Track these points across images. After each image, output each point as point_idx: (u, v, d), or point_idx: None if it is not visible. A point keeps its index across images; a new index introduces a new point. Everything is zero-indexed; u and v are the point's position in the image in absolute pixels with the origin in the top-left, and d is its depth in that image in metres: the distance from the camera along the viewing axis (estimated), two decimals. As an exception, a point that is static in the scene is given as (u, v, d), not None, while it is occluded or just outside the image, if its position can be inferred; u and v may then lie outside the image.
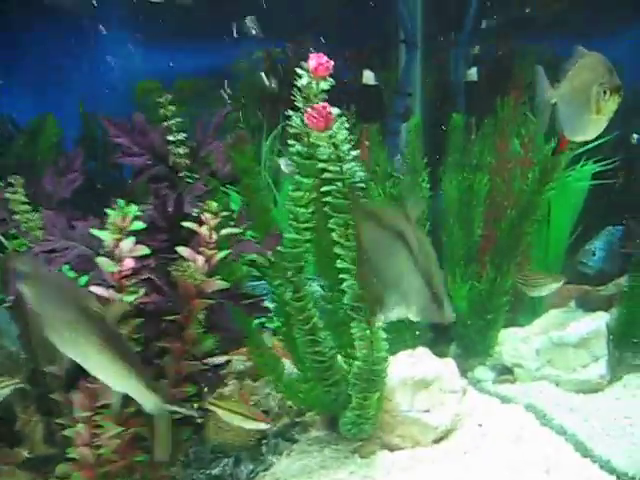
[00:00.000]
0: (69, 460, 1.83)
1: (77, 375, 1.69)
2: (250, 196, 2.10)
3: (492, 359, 2.97)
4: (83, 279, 1.85)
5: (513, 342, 2.91)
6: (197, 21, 3.19)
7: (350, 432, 2.27)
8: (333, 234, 1.94)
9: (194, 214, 1.93)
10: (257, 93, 3.14)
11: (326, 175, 1.89)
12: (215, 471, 2.15)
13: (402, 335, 2.67)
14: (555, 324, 2.92)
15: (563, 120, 1.97)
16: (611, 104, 1.82)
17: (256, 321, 2.30)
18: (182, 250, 1.83)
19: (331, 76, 1.89)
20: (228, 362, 2.25)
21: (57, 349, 1.68)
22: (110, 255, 1.79)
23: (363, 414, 2.19)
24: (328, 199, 1.92)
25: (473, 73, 3.20)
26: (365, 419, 2.21)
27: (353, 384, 2.12)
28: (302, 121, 1.89)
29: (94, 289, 1.76)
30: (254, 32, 3.03)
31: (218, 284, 1.86)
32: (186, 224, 1.84)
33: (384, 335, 2.04)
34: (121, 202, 1.77)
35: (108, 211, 1.78)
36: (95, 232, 1.77)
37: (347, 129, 1.90)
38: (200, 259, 1.85)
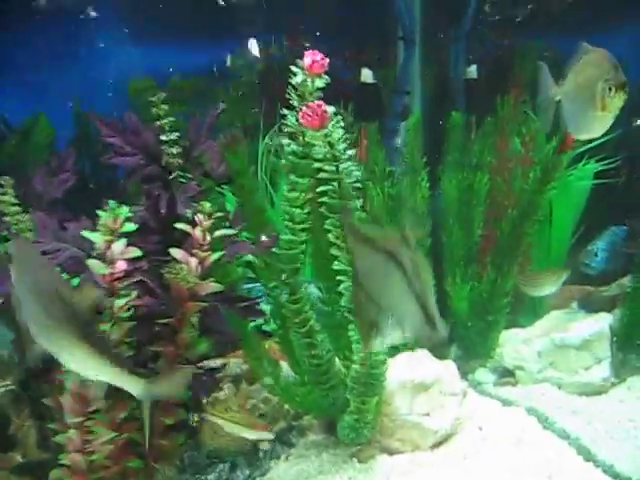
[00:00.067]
0: (62, 466, 1.81)
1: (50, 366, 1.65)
2: (245, 197, 2.06)
3: (493, 361, 2.94)
4: (74, 281, 1.81)
5: (514, 344, 2.88)
6: (192, 18, 3.16)
7: (348, 437, 2.24)
8: (329, 235, 1.90)
9: (187, 215, 1.90)
10: (254, 91, 3.12)
11: (322, 175, 1.85)
12: (211, 477, 2.12)
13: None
14: (557, 325, 2.88)
15: (568, 118, 1.94)
16: (617, 101, 1.79)
17: (252, 324, 2.26)
18: (175, 252, 1.80)
19: (328, 74, 1.85)
20: (223, 366, 2.24)
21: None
22: (102, 257, 1.76)
23: (361, 418, 2.15)
24: (324, 199, 1.88)
25: (473, 71, 3.17)
26: (364, 423, 2.17)
27: (351, 388, 2.08)
28: (297, 120, 1.85)
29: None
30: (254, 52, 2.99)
31: (212, 287, 1.83)
32: (179, 225, 1.80)
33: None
34: (112, 203, 1.74)
35: (99, 212, 1.74)
36: (86, 234, 1.74)
37: (343, 128, 1.86)
38: (193, 261, 1.82)
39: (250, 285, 2.45)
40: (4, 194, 1.89)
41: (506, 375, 2.87)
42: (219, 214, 1.84)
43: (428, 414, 2.30)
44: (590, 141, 3.03)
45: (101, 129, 1.91)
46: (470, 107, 3.18)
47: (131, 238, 1.78)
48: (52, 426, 1.84)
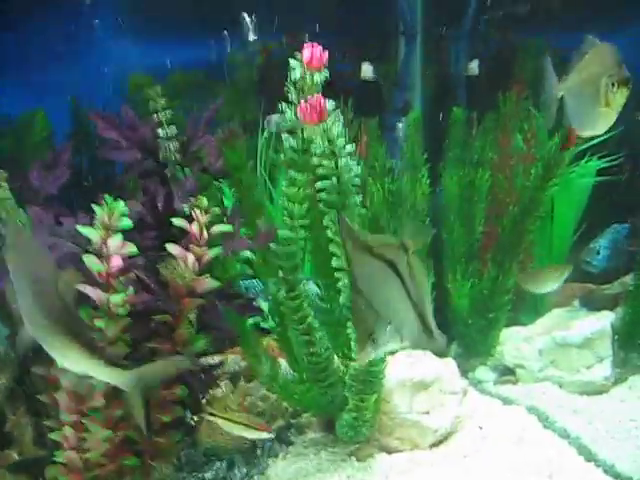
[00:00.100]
0: (57, 463, 1.79)
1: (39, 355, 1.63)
2: (243, 192, 2.04)
3: (493, 359, 2.92)
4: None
5: (515, 342, 2.86)
6: (191, 13, 3.14)
7: (347, 435, 2.22)
8: (328, 231, 1.88)
9: (185, 211, 1.88)
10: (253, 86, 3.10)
11: (320, 171, 1.83)
12: (208, 475, 2.11)
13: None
14: (558, 324, 2.87)
15: (571, 114, 1.92)
16: (619, 97, 1.76)
17: (250, 321, 2.24)
18: (172, 248, 1.78)
19: (328, 69, 1.82)
20: (221, 363, 2.22)
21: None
22: (98, 253, 1.74)
23: (360, 416, 2.14)
24: (323, 195, 1.86)
25: (474, 66, 3.15)
26: (362, 421, 2.16)
27: (350, 386, 2.06)
28: (296, 115, 1.83)
29: (81, 288, 1.72)
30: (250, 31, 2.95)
31: (209, 283, 1.81)
32: (176, 221, 1.78)
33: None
34: (108, 198, 1.71)
35: (95, 208, 1.72)
36: (81, 229, 1.72)
37: (342, 123, 1.83)
38: (190, 257, 1.79)
39: (249, 282, 2.43)
40: (-2, 188, 1.87)
41: (507, 373, 2.86)
42: (216, 210, 1.80)
43: (428, 412, 2.28)
44: (592, 138, 2.99)
45: (97, 123, 1.88)
46: (471, 103, 3.16)
47: (128, 234, 1.76)
48: (48, 423, 1.82)
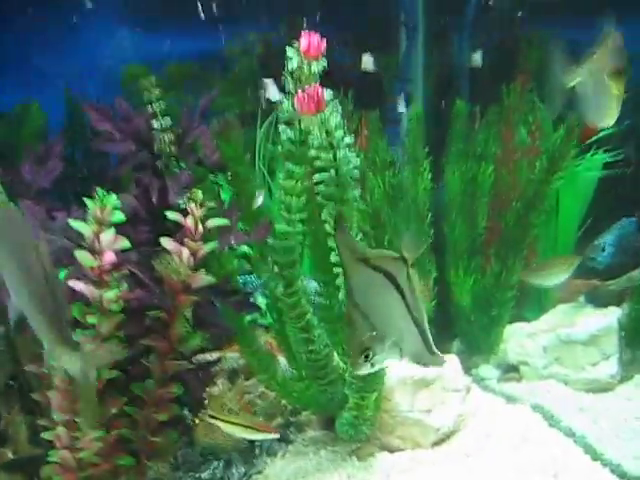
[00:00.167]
0: (51, 463, 1.76)
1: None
2: (239, 185, 2.00)
3: (497, 356, 2.89)
4: (62, 273, 1.75)
5: (519, 339, 2.84)
6: (188, 2, 3.10)
7: (347, 433, 2.18)
8: (326, 225, 1.83)
9: (181, 204, 1.83)
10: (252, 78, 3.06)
11: (318, 163, 1.78)
12: (205, 474, 2.07)
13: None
14: (563, 320, 2.83)
15: (581, 105, 1.88)
16: (613, 88, 1.74)
17: (248, 317, 2.20)
18: (166, 242, 1.74)
19: (327, 60, 1.78)
20: (218, 360, 2.18)
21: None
22: (90, 248, 1.70)
23: (360, 415, 2.10)
24: (321, 188, 1.81)
25: (477, 58, 3.11)
26: (363, 420, 2.13)
27: (350, 383, 2.02)
28: (293, 105, 1.78)
29: (73, 284, 1.68)
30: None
31: (204, 279, 1.77)
32: (170, 215, 1.74)
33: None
34: (100, 192, 1.67)
35: (87, 201, 1.68)
36: (73, 224, 1.68)
37: (341, 113, 1.78)
38: (185, 252, 1.75)
39: (246, 278, 2.39)
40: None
41: (510, 371, 2.83)
42: (212, 204, 1.76)
43: (430, 411, 2.25)
44: (598, 131, 2.96)
45: (91, 115, 1.84)
46: (474, 95, 3.11)
47: (121, 228, 1.72)
48: (42, 422, 1.79)
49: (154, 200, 1.79)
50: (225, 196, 2.12)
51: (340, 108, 1.78)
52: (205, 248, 1.77)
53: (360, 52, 2.90)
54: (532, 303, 3.00)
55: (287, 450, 2.27)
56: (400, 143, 2.81)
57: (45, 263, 1.40)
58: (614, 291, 2.99)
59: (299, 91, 1.72)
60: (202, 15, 2.86)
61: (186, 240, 1.75)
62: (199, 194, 1.73)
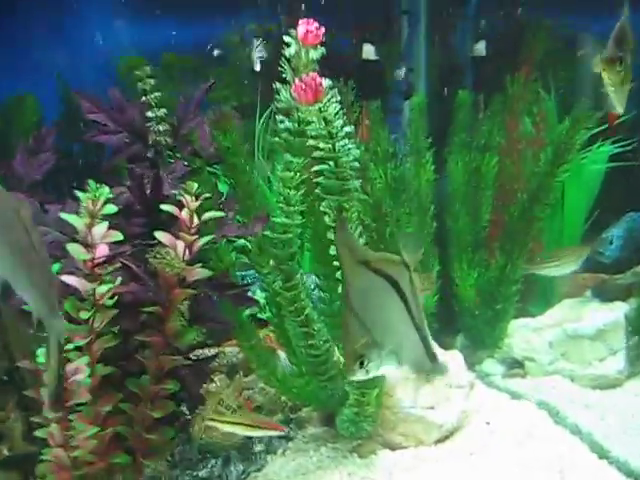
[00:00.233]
0: (45, 461, 1.73)
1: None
2: (237, 177, 1.95)
3: (501, 352, 2.86)
4: (55, 266, 1.71)
5: (524, 334, 2.81)
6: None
7: (348, 430, 2.15)
8: (326, 218, 1.79)
9: (177, 197, 1.79)
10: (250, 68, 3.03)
11: (317, 153, 1.74)
12: (202, 472, 2.04)
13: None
14: (569, 314, 2.81)
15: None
16: (607, 76, 1.69)
17: (247, 312, 2.17)
18: (160, 235, 1.70)
19: (326, 49, 1.73)
20: (215, 355, 2.15)
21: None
22: (84, 241, 1.66)
23: (361, 411, 2.07)
24: (320, 180, 1.77)
25: (481, 47, 3.06)
26: (364, 417, 2.10)
27: (350, 379, 1.98)
28: (291, 95, 1.73)
29: (66, 278, 1.64)
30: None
31: (200, 272, 1.73)
32: (165, 207, 1.69)
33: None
34: (92, 184, 1.63)
35: (79, 194, 1.64)
36: (65, 216, 1.64)
37: (340, 103, 1.74)
38: (180, 245, 1.71)
39: (247, 272, 2.35)
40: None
41: (515, 366, 2.80)
42: (207, 195, 1.71)
43: (433, 407, 2.22)
44: (604, 122, 2.91)
45: (83, 105, 1.80)
46: (478, 85, 3.07)
47: (115, 221, 1.68)
48: (35, 419, 1.75)
49: (148, 192, 1.74)
50: (223, 188, 2.07)
51: (339, 97, 1.74)
52: (200, 241, 1.72)
53: (361, 41, 2.85)
54: (537, 297, 2.97)
55: (287, 447, 2.24)
56: (402, 133, 2.78)
57: (28, 226, 1.35)
58: (621, 285, 2.96)
59: (296, 80, 1.68)
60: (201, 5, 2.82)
61: (181, 233, 1.71)
62: (193, 186, 1.69)
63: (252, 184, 1.99)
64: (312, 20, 1.70)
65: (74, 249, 1.65)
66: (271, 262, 1.90)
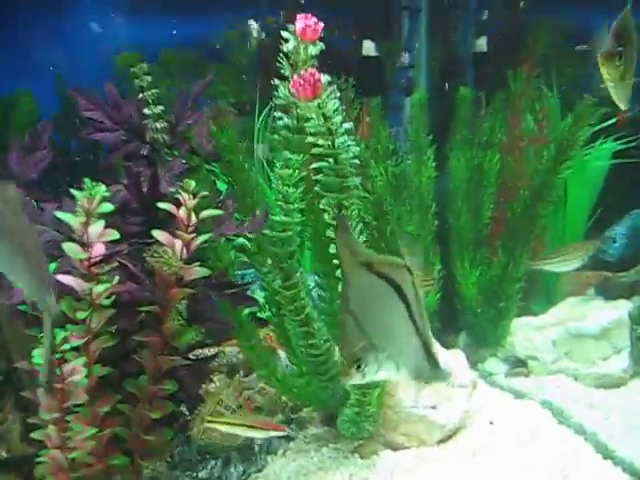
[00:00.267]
0: (43, 463, 1.71)
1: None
2: (234, 175, 1.93)
3: (504, 350, 2.84)
4: (52, 266, 1.69)
5: (527, 332, 2.79)
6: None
7: (349, 431, 2.13)
8: (325, 215, 1.77)
9: (175, 195, 1.77)
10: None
11: (316, 150, 1.72)
12: (202, 474, 2.02)
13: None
14: (573, 313, 2.79)
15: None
16: (604, 71, 1.67)
17: (247, 311, 2.14)
18: (158, 234, 1.67)
19: (326, 46, 1.71)
20: (215, 355, 2.13)
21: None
22: (80, 240, 1.64)
23: (362, 411, 2.05)
24: (319, 177, 1.75)
25: (482, 43, 3.04)
26: (365, 417, 2.08)
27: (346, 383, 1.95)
28: (289, 91, 1.71)
29: (62, 278, 1.62)
30: None
31: (198, 271, 1.70)
32: (161, 205, 1.67)
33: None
34: (88, 182, 1.61)
35: (74, 192, 1.61)
36: (60, 215, 1.61)
37: (340, 99, 1.71)
38: (178, 244, 1.68)
39: (246, 271, 2.33)
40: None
41: (518, 365, 2.79)
42: (205, 193, 1.69)
43: (435, 407, 2.20)
44: (608, 118, 2.89)
45: (79, 102, 1.77)
46: (479, 82, 3.05)
47: (111, 219, 1.66)
48: (32, 420, 1.73)
49: (145, 190, 1.71)
50: (222, 186, 2.05)
51: (339, 93, 1.72)
52: (198, 239, 1.70)
53: (361, 37, 2.83)
54: (540, 295, 2.95)
55: (288, 448, 2.22)
56: (402, 128, 2.76)
57: (15, 208, 1.33)
58: (625, 283, 2.94)
59: (295, 76, 1.66)
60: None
61: (178, 232, 1.68)
62: (191, 183, 1.66)
63: (250, 182, 1.97)
64: (310, 15, 1.69)
65: (70, 248, 1.63)
66: (269, 261, 1.88)
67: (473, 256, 2.76)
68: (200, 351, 2.20)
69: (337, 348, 2.09)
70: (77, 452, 1.68)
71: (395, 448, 2.17)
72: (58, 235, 1.77)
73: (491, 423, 2.30)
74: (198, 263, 1.70)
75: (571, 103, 2.56)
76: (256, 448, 2.14)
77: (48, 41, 2.94)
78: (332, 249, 1.82)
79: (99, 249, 1.64)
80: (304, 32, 1.68)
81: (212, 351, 2.26)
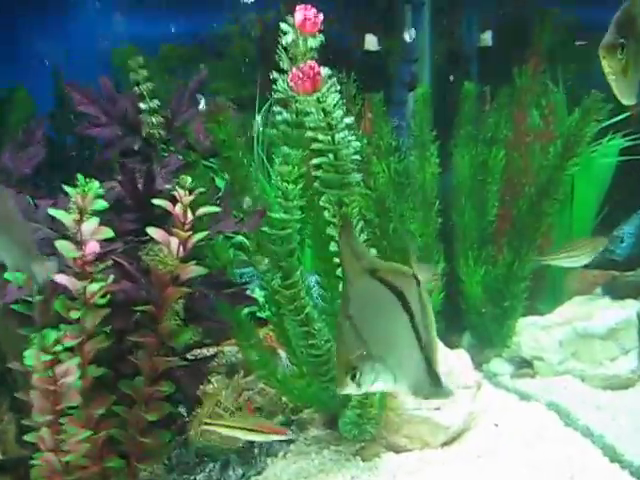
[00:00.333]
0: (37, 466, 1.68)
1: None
2: (232, 171, 1.89)
3: (510, 351, 2.81)
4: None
5: (533, 332, 2.76)
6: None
7: (350, 433, 2.10)
8: (325, 213, 1.73)
9: (172, 191, 1.73)
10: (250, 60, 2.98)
11: (316, 146, 1.68)
12: (200, 476, 1.99)
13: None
14: (580, 312, 2.75)
15: None
16: (604, 65, 1.62)
17: (246, 310, 2.11)
18: (153, 231, 1.64)
19: (327, 40, 1.67)
20: (214, 355, 2.10)
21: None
22: (73, 238, 1.61)
23: (364, 413, 2.02)
24: (319, 173, 1.71)
25: (487, 37, 3.01)
26: (367, 419, 2.04)
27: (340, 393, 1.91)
28: (289, 85, 1.67)
29: (56, 277, 1.59)
30: None
31: (194, 270, 1.67)
32: (157, 202, 1.63)
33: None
34: (82, 179, 1.57)
35: (67, 189, 1.58)
36: (53, 212, 1.58)
37: (340, 93, 1.67)
38: (174, 242, 1.65)
39: (246, 269, 2.30)
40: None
41: (524, 366, 2.76)
42: (202, 190, 1.65)
43: (438, 408, 2.16)
44: (616, 115, 2.86)
45: (73, 97, 1.74)
46: (484, 77, 3.04)
47: (106, 217, 1.62)
48: (27, 422, 1.70)
49: (140, 187, 1.68)
50: (220, 183, 2.02)
51: (339, 87, 1.68)
52: (195, 237, 1.66)
53: (363, 31, 2.80)
54: (546, 294, 2.92)
55: (288, 450, 2.18)
56: (404, 122, 2.73)
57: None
58: (633, 283, 2.91)
59: (294, 69, 1.62)
60: None
61: (174, 229, 1.65)
62: (187, 179, 1.63)
63: (250, 178, 1.93)
64: (310, 6, 1.65)
65: (63, 246, 1.60)
66: (266, 260, 1.84)
67: (478, 254, 2.73)
68: (199, 351, 2.18)
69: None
70: (71, 455, 1.66)
71: (398, 450, 2.14)
72: (52, 233, 1.74)
73: (496, 425, 2.27)
74: (195, 261, 1.67)
75: (578, 98, 2.53)
76: (256, 450, 2.11)
77: (45, 36, 2.92)
78: (333, 247, 1.79)
79: (93, 247, 1.61)
80: (303, 24, 1.64)
81: (211, 351, 2.23)
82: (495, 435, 2.22)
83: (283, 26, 1.65)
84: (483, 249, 2.75)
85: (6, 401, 1.99)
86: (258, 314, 2.28)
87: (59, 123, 2.32)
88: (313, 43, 1.66)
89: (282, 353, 2.25)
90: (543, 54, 2.83)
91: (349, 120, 1.69)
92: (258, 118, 1.80)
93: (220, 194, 1.91)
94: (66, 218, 1.58)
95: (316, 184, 1.74)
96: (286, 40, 1.67)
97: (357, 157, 1.72)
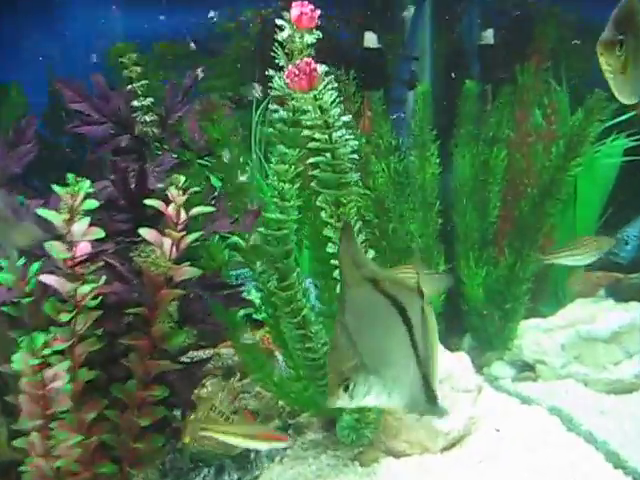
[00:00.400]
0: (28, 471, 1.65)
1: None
2: (226, 170, 1.86)
3: (511, 354, 2.79)
4: (35, 266, 1.62)
5: (535, 335, 2.73)
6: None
7: (348, 437, 2.08)
8: (322, 213, 1.70)
9: (166, 191, 1.70)
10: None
11: (313, 144, 1.64)
12: (194, 482, 1.95)
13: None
14: (582, 315, 2.72)
15: None
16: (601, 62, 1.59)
17: (242, 312, 2.08)
18: (145, 232, 1.60)
19: (325, 36, 1.64)
20: (209, 358, 2.07)
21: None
22: (64, 239, 1.57)
23: (362, 417, 2.00)
24: (316, 173, 1.67)
25: (489, 35, 2.99)
26: (365, 423, 2.02)
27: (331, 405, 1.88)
28: (285, 82, 1.64)
29: (45, 278, 1.55)
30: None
31: (188, 271, 1.64)
32: (149, 202, 1.60)
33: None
34: (71, 178, 1.54)
35: (57, 188, 1.54)
36: (42, 212, 1.55)
37: (338, 91, 1.64)
38: (166, 242, 1.62)
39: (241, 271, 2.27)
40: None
41: (526, 369, 2.74)
42: (196, 189, 1.62)
43: (438, 413, 2.12)
44: (620, 114, 2.86)
45: (64, 93, 1.71)
46: (485, 75, 3.02)
47: (97, 217, 1.59)
48: (16, 427, 1.67)
49: (133, 186, 1.64)
50: (216, 183, 1.98)
51: (337, 85, 1.64)
52: (189, 238, 1.63)
53: (362, 28, 2.78)
54: (548, 296, 2.91)
55: (285, 454, 2.15)
56: (404, 119, 2.70)
57: None
58: (637, 285, 2.90)
59: (290, 66, 1.58)
60: None
61: (167, 230, 1.61)
62: (181, 179, 1.59)
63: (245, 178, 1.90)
64: (307, 2, 1.61)
65: (53, 247, 1.56)
66: (261, 261, 1.81)
67: (479, 256, 2.72)
68: (195, 353, 2.15)
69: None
70: (62, 460, 1.62)
71: (397, 456, 2.11)
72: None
73: (497, 430, 2.24)
74: (188, 263, 1.63)
75: (581, 97, 2.51)
76: (252, 455, 2.08)
77: (39, 33, 2.90)
78: (330, 248, 1.75)
79: (84, 248, 1.58)
80: (300, 19, 1.61)
81: (207, 353, 2.20)
82: (496, 440, 2.18)
83: (279, 21, 1.62)
84: (484, 250, 2.74)
85: (-2, 405, 1.96)
86: (254, 316, 2.24)
87: (52, 121, 2.29)
88: (309, 39, 1.64)
89: (279, 356, 2.21)
90: (546, 52, 2.82)
91: (346, 118, 1.66)
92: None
93: (216, 193, 1.88)
94: (56, 218, 1.55)
95: (313, 184, 1.71)
96: (282, 36, 1.63)
97: (355, 156, 1.70)
